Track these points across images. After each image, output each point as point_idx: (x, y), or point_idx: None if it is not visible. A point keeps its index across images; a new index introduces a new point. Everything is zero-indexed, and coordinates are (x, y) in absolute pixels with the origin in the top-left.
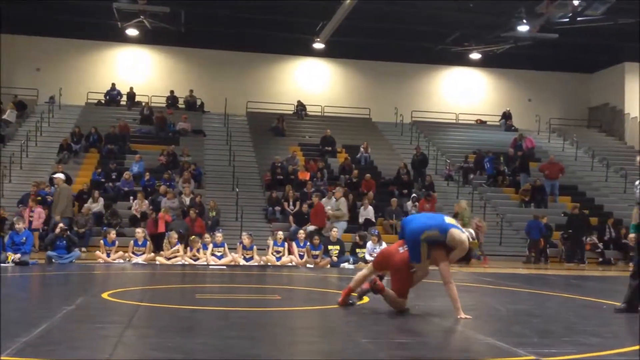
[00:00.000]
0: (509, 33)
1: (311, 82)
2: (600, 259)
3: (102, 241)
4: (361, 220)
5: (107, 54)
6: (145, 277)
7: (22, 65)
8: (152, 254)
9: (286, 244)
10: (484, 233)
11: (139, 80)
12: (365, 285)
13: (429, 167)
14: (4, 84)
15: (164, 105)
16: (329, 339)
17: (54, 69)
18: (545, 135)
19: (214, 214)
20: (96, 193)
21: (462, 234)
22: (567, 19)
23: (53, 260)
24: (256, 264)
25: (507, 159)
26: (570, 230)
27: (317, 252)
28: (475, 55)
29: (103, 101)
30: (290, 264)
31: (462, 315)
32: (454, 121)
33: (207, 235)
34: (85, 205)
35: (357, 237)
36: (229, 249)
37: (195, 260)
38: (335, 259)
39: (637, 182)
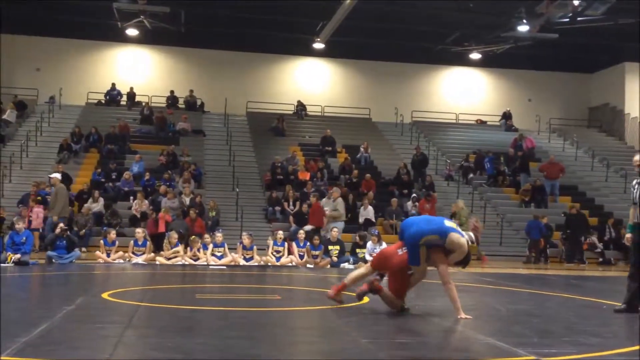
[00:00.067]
0: (509, 33)
1: (311, 82)
2: (601, 259)
3: (102, 241)
4: (361, 220)
5: (107, 54)
6: (146, 277)
7: (22, 65)
8: (152, 254)
9: (286, 244)
10: (481, 233)
11: (139, 80)
12: (364, 287)
13: (429, 167)
14: (4, 84)
15: (164, 105)
16: (329, 339)
17: (54, 69)
18: (545, 135)
19: (214, 214)
20: (96, 193)
21: (462, 238)
22: (567, 19)
23: (53, 260)
24: (256, 264)
25: (507, 159)
26: (569, 231)
27: (317, 252)
28: (475, 55)
29: (103, 101)
30: (290, 264)
31: (462, 315)
32: (454, 121)
33: (207, 235)
34: (85, 205)
35: (357, 237)
36: (229, 249)
37: (195, 260)
38: (335, 259)
39: (634, 182)
